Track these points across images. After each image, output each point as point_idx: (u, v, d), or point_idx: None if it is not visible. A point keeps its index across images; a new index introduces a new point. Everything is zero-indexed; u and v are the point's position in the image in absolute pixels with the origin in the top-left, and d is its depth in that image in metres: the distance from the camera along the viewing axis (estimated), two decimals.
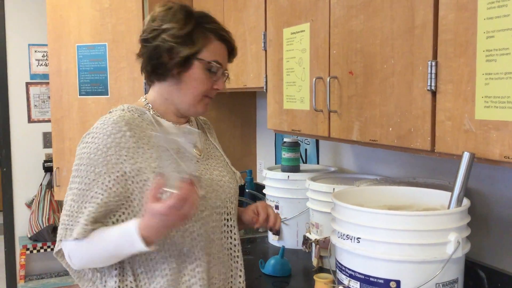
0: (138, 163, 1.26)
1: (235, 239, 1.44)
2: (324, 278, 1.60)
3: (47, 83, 3.96)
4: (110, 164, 1.24)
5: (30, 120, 4.21)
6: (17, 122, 4.17)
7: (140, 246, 1.18)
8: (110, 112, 1.37)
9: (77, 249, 1.25)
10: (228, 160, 1.53)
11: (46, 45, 3.08)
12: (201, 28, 1.32)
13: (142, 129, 1.30)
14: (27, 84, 4.18)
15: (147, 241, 1.18)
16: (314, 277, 1.62)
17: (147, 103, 1.39)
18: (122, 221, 1.26)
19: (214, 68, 1.34)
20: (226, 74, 1.40)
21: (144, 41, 1.35)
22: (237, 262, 1.44)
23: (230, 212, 1.42)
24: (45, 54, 4.15)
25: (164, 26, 1.30)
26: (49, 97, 3.76)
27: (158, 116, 1.38)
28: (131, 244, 1.19)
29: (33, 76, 4.19)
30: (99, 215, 1.24)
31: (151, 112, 1.37)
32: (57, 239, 1.29)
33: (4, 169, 4.14)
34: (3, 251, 4.26)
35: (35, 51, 4.17)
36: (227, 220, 1.41)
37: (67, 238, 1.25)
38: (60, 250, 1.31)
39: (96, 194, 1.24)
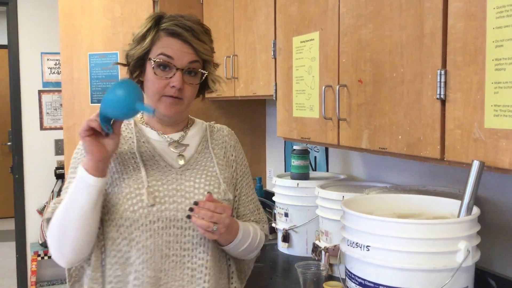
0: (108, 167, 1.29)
1: (202, 259, 1.30)
2: (333, 286, 1.60)
3: (59, 91, 4.00)
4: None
5: (42, 128, 4.25)
6: (29, 129, 4.21)
7: (84, 175, 1.21)
8: None
9: (49, 227, 1.28)
10: (221, 173, 1.40)
11: (59, 53, 3.12)
12: (155, 28, 1.32)
13: (122, 136, 1.34)
14: (40, 92, 4.23)
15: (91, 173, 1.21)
16: (324, 285, 1.62)
17: None
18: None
19: (164, 64, 1.29)
20: (192, 70, 1.32)
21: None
22: (200, 285, 1.30)
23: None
24: (57, 62, 4.21)
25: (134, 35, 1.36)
26: (61, 105, 3.80)
27: (142, 123, 1.41)
28: (81, 179, 1.21)
29: (45, 84, 4.24)
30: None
31: (139, 119, 1.41)
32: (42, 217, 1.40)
33: (16, 176, 4.19)
34: (14, 257, 4.29)
35: (48, 59, 4.22)
36: (192, 236, 1.29)
37: (45, 216, 1.31)
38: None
39: (70, 184, 1.29)
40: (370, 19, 1.46)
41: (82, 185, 1.22)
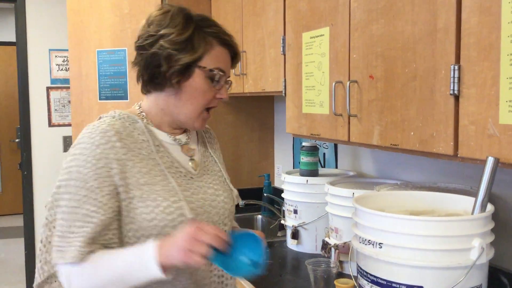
0: (127, 178, 1.15)
1: None
2: (345, 283, 1.59)
3: (68, 88, 4.00)
4: (101, 177, 1.13)
5: (50, 124, 4.26)
6: (37, 126, 4.22)
7: (154, 269, 1.07)
8: (100, 118, 1.26)
9: (78, 274, 1.12)
10: (227, 176, 1.39)
11: (67, 50, 3.12)
12: (201, 33, 1.21)
13: (133, 140, 1.20)
14: (48, 88, 4.24)
15: (163, 267, 1.07)
16: (335, 282, 1.61)
17: (141, 112, 1.29)
18: (113, 240, 1.15)
19: (217, 76, 1.23)
20: (230, 82, 1.30)
21: (139, 48, 1.24)
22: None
23: None
24: (65, 59, 4.21)
25: (162, 32, 1.19)
26: (69, 102, 3.81)
27: (151, 125, 1.27)
28: (145, 265, 1.08)
29: (53, 80, 4.25)
30: (96, 235, 1.12)
31: (144, 121, 1.26)
32: (52, 261, 1.17)
33: (25, 173, 4.20)
34: (23, 253, 4.31)
35: (56, 56, 4.23)
36: None
37: (61, 261, 1.12)
38: (43, 282, 1.22)
39: (89, 212, 1.12)
40: (381, 14, 1.45)
41: (145, 274, 1.08)
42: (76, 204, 1.13)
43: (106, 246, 1.15)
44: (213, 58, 1.23)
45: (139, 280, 1.10)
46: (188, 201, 1.20)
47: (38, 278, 1.27)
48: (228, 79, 1.29)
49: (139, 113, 1.28)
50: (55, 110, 4.26)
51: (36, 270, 1.29)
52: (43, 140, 4.23)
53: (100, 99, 2.95)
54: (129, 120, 1.23)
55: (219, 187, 1.32)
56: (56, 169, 4.22)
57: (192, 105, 1.24)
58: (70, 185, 1.15)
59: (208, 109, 1.28)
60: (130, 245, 1.16)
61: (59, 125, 4.27)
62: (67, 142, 4.23)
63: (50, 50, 4.21)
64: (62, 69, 4.25)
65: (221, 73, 1.24)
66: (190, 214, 1.18)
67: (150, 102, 1.29)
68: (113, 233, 1.15)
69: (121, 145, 1.17)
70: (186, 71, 1.20)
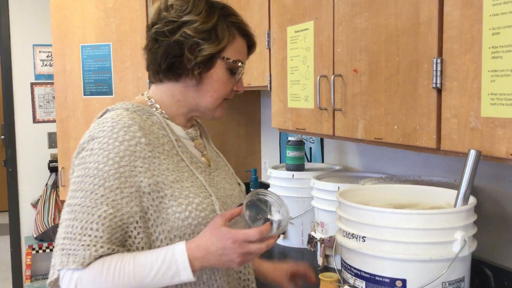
0: (155, 176, 1.08)
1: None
2: (329, 277, 1.59)
3: (52, 83, 3.96)
4: (123, 177, 1.05)
5: (35, 120, 4.22)
6: (22, 122, 4.18)
7: (186, 274, 1.01)
8: (108, 110, 1.18)
9: (92, 280, 1.01)
10: (233, 169, 1.37)
11: (51, 45, 3.09)
12: (224, 22, 1.16)
13: (155, 135, 1.12)
14: (32, 84, 4.19)
15: (192, 268, 1.02)
16: (320, 276, 1.61)
17: (153, 103, 1.21)
18: (138, 244, 1.07)
19: (238, 69, 1.20)
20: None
21: (159, 34, 1.15)
22: (249, 286, 1.28)
23: None
24: (49, 55, 4.16)
25: (185, 18, 1.13)
26: (54, 97, 3.77)
27: (167, 118, 1.20)
28: (175, 271, 1.02)
29: (37, 76, 4.20)
30: (111, 239, 1.03)
31: (159, 114, 1.19)
32: (53, 267, 1.04)
33: (10, 170, 4.16)
34: (9, 251, 4.27)
35: (40, 52, 4.18)
36: None
37: (71, 266, 1.01)
38: (56, 280, 1.05)
39: (106, 213, 1.03)
40: (365, 7, 1.45)
41: (171, 275, 1.03)
42: (91, 204, 1.03)
43: (129, 250, 1.07)
44: (235, 49, 1.19)
45: (164, 284, 1.04)
46: (216, 197, 1.16)
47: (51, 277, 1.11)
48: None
49: (150, 105, 1.21)
50: (40, 106, 4.22)
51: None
52: (28, 137, 4.19)
53: (84, 94, 2.93)
54: (145, 113, 1.16)
55: (232, 181, 1.30)
56: (41, 166, 4.19)
57: (211, 97, 1.19)
58: (85, 182, 1.05)
59: (226, 100, 1.25)
60: (165, 241, 1.09)
61: (43, 121, 4.23)
62: (52, 138, 4.19)
63: (34, 45, 4.16)
64: (46, 65, 4.20)
65: (242, 65, 1.21)
66: (221, 211, 1.13)
67: (162, 92, 1.22)
68: (135, 237, 1.06)
69: (146, 141, 1.09)
70: (209, 62, 1.15)
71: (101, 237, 1.02)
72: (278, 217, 1.08)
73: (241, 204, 1.09)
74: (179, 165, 1.14)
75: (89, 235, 1.02)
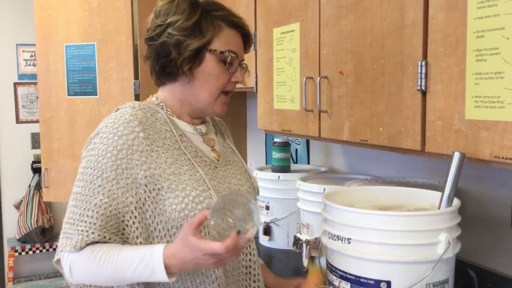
0: (152, 169, 1.13)
1: (254, 255, 1.30)
2: (316, 270, 1.59)
3: (35, 83, 3.92)
4: (120, 169, 1.12)
5: (18, 121, 4.17)
6: (5, 122, 4.13)
7: (161, 276, 1.06)
8: (118, 109, 1.23)
9: (81, 264, 1.10)
10: (247, 166, 1.40)
11: (34, 45, 3.05)
12: (209, 16, 1.21)
13: (156, 130, 1.18)
14: (15, 84, 4.14)
15: (168, 271, 1.06)
16: (309, 266, 1.61)
17: (160, 102, 1.27)
18: (134, 233, 1.13)
19: (229, 59, 1.22)
20: (244, 66, 1.28)
21: (149, 39, 1.23)
22: (256, 281, 1.29)
23: None
24: (33, 54, 4.12)
25: (169, 20, 1.19)
26: (37, 98, 3.72)
27: (173, 116, 1.26)
28: (152, 272, 1.06)
29: (21, 76, 4.15)
30: (105, 227, 1.10)
31: (164, 111, 1.24)
32: (58, 248, 1.14)
33: None
34: None
35: (23, 51, 4.13)
36: None
37: (67, 248, 1.10)
38: (59, 260, 1.15)
39: (101, 202, 1.11)
40: (351, 10, 1.45)
41: (148, 274, 1.07)
42: (89, 193, 1.12)
43: (125, 241, 1.13)
44: (223, 40, 1.21)
45: (143, 281, 1.10)
46: (215, 190, 1.18)
47: (56, 257, 1.19)
48: (243, 62, 1.28)
49: (157, 104, 1.27)
50: (23, 106, 4.17)
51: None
52: (11, 137, 4.14)
53: (68, 94, 2.89)
54: (150, 110, 1.22)
55: (242, 177, 1.33)
56: (24, 167, 4.14)
57: (206, 90, 1.23)
58: (86, 173, 1.14)
59: (226, 93, 1.27)
60: (160, 238, 1.14)
61: (27, 122, 4.19)
62: (35, 139, 4.14)
63: (17, 44, 4.11)
64: (30, 64, 4.15)
65: (232, 54, 1.22)
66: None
67: (166, 93, 1.28)
68: (130, 228, 1.13)
69: (145, 135, 1.15)
70: (196, 56, 1.20)
71: (94, 223, 1.10)
72: (249, 225, 1.06)
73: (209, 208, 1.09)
74: (180, 158, 1.18)
75: (85, 221, 1.10)
